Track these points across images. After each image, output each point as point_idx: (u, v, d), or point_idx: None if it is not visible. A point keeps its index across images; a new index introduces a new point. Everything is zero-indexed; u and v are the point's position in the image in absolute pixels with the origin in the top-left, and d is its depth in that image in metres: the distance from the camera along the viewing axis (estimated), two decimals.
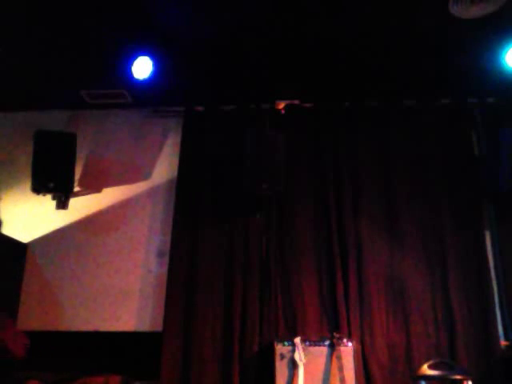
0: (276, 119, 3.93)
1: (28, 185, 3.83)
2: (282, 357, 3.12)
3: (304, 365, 3.04)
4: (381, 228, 3.65)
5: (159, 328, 3.52)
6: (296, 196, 3.78)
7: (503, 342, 3.37)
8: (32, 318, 3.69)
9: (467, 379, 2.91)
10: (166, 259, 3.71)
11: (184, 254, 3.67)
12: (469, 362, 3.27)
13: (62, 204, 3.93)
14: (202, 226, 3.74)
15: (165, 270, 3.68)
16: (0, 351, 1.14)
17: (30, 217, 3.98)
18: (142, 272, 3.79)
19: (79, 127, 4.08)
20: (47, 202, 3.97)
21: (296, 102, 3.99)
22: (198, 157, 3.92)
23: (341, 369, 3.03)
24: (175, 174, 3.96)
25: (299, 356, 3.06)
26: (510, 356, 3.27)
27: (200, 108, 4.06)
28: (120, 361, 3.46)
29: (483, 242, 3.60)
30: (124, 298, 3.73)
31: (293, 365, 3.07)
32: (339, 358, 3.06)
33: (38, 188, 3.83)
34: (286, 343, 3.16)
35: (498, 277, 3.56)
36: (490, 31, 3.17)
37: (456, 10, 2.98)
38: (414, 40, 3.28)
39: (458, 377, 2.94)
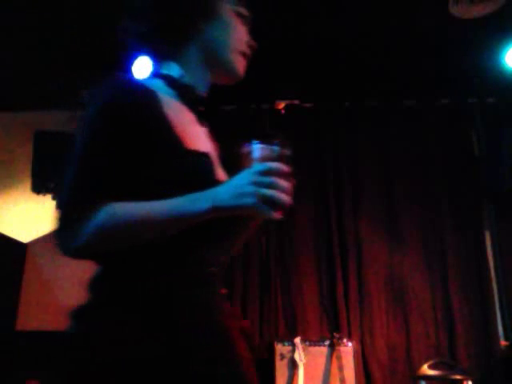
0: (276, 119, 3.93)
1: (28, 185, 3.83)
2: (282, 357, 3.12)
3: (304, 365, 3.04)
4: (381, 228, 3.65)
5: None
6: (296, 196, 3.76)
7: (503, 342, 3.37)
8: (32, 317, 3.69)
9: (467, 379, 2.91)
10: None
11: None
12: (469, 362, 3.27)
13: None
14: None
15: None
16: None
17: (30, 217, 3.98)
18: None
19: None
20: (47, 202, 3.97)
21: (296, 102, 3.99)
22: None
23: (341, 369, 3.03)
24: None
25: (299, 356, 3.06)
26: (510, 356, 3.27)
27: (200, 108, 4.05)
28: None
29: (483, 241, 3.60)
30: None
31: (293, 365, 3.07)
32: (339, 358, 3.06)
33: (38, 188, 3.83)
34: (285, 343, 3.16)
35: (498, 277, 3.57)
36: (490, 31, 3.16)
37: (456, 10, 2.98)
38: (413, 40, 3.28)
39: (458, 377, 2.95)
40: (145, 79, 1.10)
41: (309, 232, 3.68)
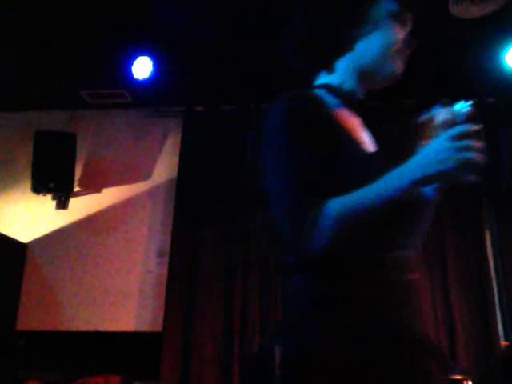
0: None
1: (28, 185, 3.83)
2: None
3: None
4: None
5: (159, 328, 3.52)
6: None
7: (503, 342, 3.37)
8: (32, 318, 3.70)
9: (467, 379, 2.91)
10: (166, 259, 3.71)
11: (184, 254, 3.67)
12: (469, 362, 3.27)
13: (62, 204, 3.93)
14: (202, 226, 3.74)
15: (165, 269, 3.68)
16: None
17: (29, 217, 3.98)
18: (142, 272, 3.79)
19: (79, 127, 4.08)
20: (47, 201, 3.97)
21: None
22: (198, 157, 3.92)
23: None
24: (175, 174, 3.95)
25: None
26: (510, 356, 3.27)
27: (200, 108, 4.06)
28: (120, 361, 3.46)
29: (483, 241, 3.60)
30: (124, 298, 3.73)
31: None
32: None
33: (38, 188, 3.83)
34: None
35: (498, 277, 3.56)
36: (490, 31, 3.16)
37: (456, 10, 2.98)
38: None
39: (458, 377, 2.94)
40: (308, 90, 1.13)
41: None
